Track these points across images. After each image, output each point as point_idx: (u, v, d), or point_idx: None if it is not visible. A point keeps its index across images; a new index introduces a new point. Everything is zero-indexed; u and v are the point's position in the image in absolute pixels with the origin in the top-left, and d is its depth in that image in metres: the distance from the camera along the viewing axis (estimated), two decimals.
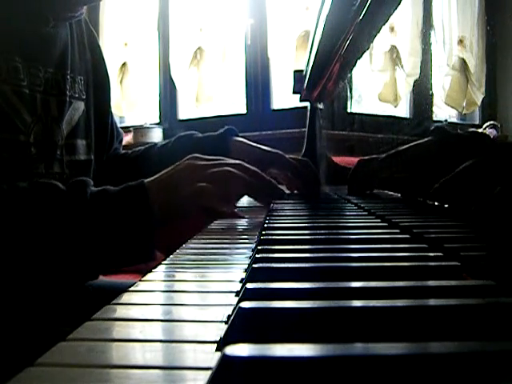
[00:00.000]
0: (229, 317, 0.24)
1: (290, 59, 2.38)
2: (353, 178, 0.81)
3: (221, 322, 0.24)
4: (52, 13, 0.75)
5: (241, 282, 0.32)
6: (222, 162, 0.66)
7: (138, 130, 2.57)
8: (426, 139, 0.53)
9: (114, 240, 0.60)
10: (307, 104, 1.57)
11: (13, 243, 0.57)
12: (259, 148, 0.91)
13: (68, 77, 0.79)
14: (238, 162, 0.67)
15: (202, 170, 0.64)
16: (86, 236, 0.59)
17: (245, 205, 0.89)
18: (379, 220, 0.55)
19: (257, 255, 0.35)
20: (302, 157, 1.51)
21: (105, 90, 0.91)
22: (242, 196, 0.67)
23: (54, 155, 0.76)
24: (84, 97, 0.84)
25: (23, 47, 0.72)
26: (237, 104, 2.70)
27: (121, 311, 0.27)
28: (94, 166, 0.86)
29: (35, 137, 0.72)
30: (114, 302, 0.28)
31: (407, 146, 0.57)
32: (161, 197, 0.62)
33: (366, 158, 0.67)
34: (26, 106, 0.71)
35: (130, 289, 0.31)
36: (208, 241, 0.52)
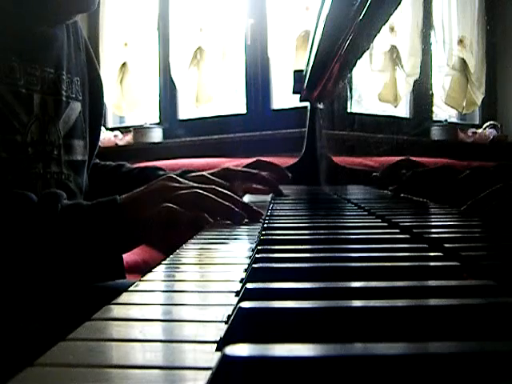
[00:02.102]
0: (229, 317, 0.24)
1: (289, 59, 2.37)
2: (391, 176, 0.79)
3: (221, 321, 0.24)
4: (48, 15, 0.75)
5: (241, 281, 0.32)
6: (193, 184, 0.67)
7: (138, 130, 2.57)
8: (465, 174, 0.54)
9: (83, 254, 0.61)
10: (307, 104, 1.57)
11: None
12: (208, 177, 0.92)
13: (65, 77, 0.80)
14: (211, 186, 0.68)
15: (172, 191, 0.64)
16: (54, 249, 0.59)
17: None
18: (379, 220, 0.55)
19: (257, 255, 0.35)
20: (301, 157, 1.51)
21: (98, 93, 0.92)
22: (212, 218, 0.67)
23: (51, 155, 0.76)
24: (80, 98, 0.84)
25: (20, 47, 0.72)
26: (237, 104, 2.70)
27: (121, 311, 0.27)
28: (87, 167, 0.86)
29: (32, 136, 0.72)
30: (114, 302, 0.28)
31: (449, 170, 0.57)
32: (131, 214, 0.63)
33: (421, 170, 0.67)
34: (23, 106, 0.71)
35: (130, 289, 0.31)
36: (208, 241, 0.52)
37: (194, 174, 0.82)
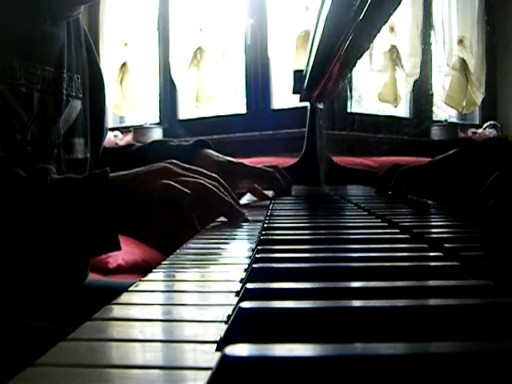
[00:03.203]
0: (229, 317, 0.24)
1: (289, 59, 2.37)
2: (386, 182, 0.80)
3: (221, 321, 0.24)
4: (49, 11, 0.75)
5: (241, 281, 0.32)
6: (197, 173, 0.66)
7: (138, 130, 2.57)
8: (453, 150, 0.54)
9: (75, 227, 0.59)
10: (307, 104, 1.57)
11: None
12: (224, 159, 0.93)
13: (65, 75, 0.79)
14: (213, 175, 0.67)
15: (175, 176, 0.63)
16: (45, 223, 0.58)
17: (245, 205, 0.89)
18: (379, 220, 0.55)
19: (257, 255, 0.35)
20: (301, 157, 1.51)
21: (100, 90, 0.91)
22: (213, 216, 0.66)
23: (51, 154, 0.76)
24: (81, 95, 0.84)
25: (20, 46, 0.72)
26: (237, 104, 2.70)
27: (121, 311, 0.27)
28: (91, 165, 0.86)
29: (32, 135, 0.72)
30: (114, 301, 0.28)
31: (440, 157, 0.57)
32: (124, 186, 0.61)
33: (406, 167, 0.67)
34: (23, 105, 0.71)
35: (130, 289, 0.31)
36: (208, 241, 0.52)
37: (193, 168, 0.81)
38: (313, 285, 0.26)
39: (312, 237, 0.47)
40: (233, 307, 0.26)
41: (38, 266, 0.64)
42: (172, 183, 0.60)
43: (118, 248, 0.61)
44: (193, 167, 0.67)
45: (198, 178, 0.64)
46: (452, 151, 0.54)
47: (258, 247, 0.39)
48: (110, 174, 0.61)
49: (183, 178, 0.63)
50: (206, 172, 0.67)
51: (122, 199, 0.60)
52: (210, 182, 0.65)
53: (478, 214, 0.45)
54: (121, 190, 0.60)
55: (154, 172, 0.64)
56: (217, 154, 0.94)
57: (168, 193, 0.60)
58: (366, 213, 0.64)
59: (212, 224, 0.64)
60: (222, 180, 0.68)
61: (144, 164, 0.66)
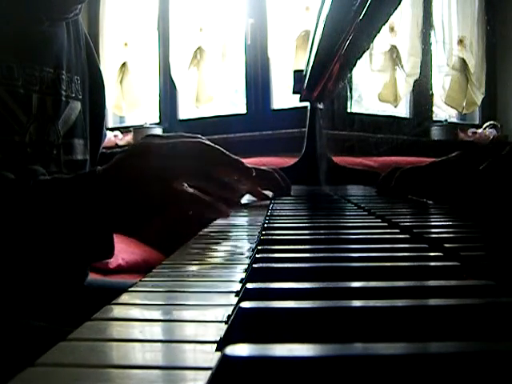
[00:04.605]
0: (229, 317, 0.24)
1: (289, 59, 2.37)
2: (387, 183, 0.80)
3: (221, 322, 0.24)
4: (46, 13, 0.75)
5: (241, 282, 0.32)
6: (178, 137, 0.63)
7: (138, 130, 2.57)
8: (455, 153, 0.54)
9: (64, 229, 0.57)
10: (307, 104, 1.57)
11: None
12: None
13: (64, 76, 0.79)
14: (197, 139, 0.64)
15: (161, 149, 0.59)
16: (34, 225, 0.56)
17: (245, 207, 0.89)
18: (379, 220, 0.55)
19: (257, 255, 0.35)
20: (301, 157, 1.51)
21: (100, 91, 0.91)
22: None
23: (50, 155, 0.76)
24: (80, 96, 0.84)
25: (18, 47, 0.72)
26: (237, 104, 2.70)
27: (121, 311, 0.27)
28: (89, 167, 0.86)
29: (31, 137, 0.72)
30: (114, 302, 0.28)
31: (441, 159, 0.58)
32: (115, 184, 0.58)
33: (407, 167, 0.67)
34: (21, 106, 0.71)
35: (130, 289, 0.31)
36: (208, 241, 0.52)
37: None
38: (313, 285, 0.26)
39: (312, 237, 0.47)
40: (233, 307, 0.26)
41: (29, 269, 0.62)
42: (168, 193, 0.58)
43: (112, 252, 0.59)
44: (172, 135, 0.64)
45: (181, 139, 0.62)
46: (454, 154, 0.54)
47: (258, 247, 0.39)
48: (98, 169, 0.59)
49: (170, 146, 0.60)
50: (185, 135, 0.65)
51: (114, 196, 0.58)
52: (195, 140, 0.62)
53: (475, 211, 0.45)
54: (111, 187, 0.58)
55: (137, 157, 0.60)
56: None
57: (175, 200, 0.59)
58: (366, 213, 0.64)
59: (212, 224, 0.64)
60: (206, 142, 0.64)
61: None
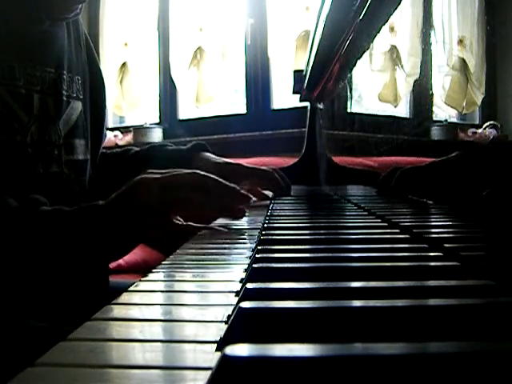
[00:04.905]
0: (229, 317, 0.24)
1: (289, 59, 2.37)
2: (387, 183, 0.80)
3: (221, 322, 0.24)
4: (47, 12, 0.75)
5: (241, 282, 0.32)
6: (176, 171, 0.65)
7: (138, 130, 2.57)
8: (455, 153, 0.55)
9: (65, 260, 0.59)
10: (307, 104, 1.57)
11: None
12: (222, 161, 0.92)
13: (65, 76, 0.79)
14: (193, 170, 0.66)
15: (159, 183, 0.61)
16: (35, 255, 0.57)
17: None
18: (379, 220, 0.55)
19: (257, 255, 0.35)
20: (301, 157, 1.51)
21: (100, 91, 0.91)
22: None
23: (51, 155, 0.76)
24: (81, 96, 0.84)
25: (19, 47, 0.72)
26: (237, 104, 2.70)
27: (121, 311, 0.27)
28: (89, 167, 0.86)
29: (32, 137, 0.72)
30: (114, 302, 0.28)
31: (441, 159, 0.58)
32: (116, 218, 0.60)
33: (407, 167, 0.68)
34: (22, 106, 0.71)
35: (130, 289, 0.31)
36: (208, 241, 0.52)
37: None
38: (313, 285, 0.26)
39: (312, 237, 0.47)
40: (233, 307, 0.26)
41: (27, 297, 0.64)
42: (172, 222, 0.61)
43: (107, 278, 0.61)
44: (170, 170, 0.66)
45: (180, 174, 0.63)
46: (454, 154, 0.54)
47: (258, 247, 0.39)
48: (101, 207, 0.60)
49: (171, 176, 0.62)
50: (183, 170, 0.66)
51: (115, 231, 0.60)
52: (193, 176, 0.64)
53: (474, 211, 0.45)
54: (111, 222, 0.59)
55: (137, 192, 0.62)
56: (214, 156, 0.94)
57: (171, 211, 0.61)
58: (366, 213, 0.64)
59: (211, 224, 0.64)
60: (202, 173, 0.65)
61: (142, 168, 0.66)
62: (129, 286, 0.31)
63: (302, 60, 1.86)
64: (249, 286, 0.25)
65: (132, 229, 0.60)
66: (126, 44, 2.68)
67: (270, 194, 0.99)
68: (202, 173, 0.64)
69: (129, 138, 2.59)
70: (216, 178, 0.64)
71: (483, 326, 0.20)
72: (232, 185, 0.64)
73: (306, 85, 1.34)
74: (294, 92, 1.54)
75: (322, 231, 0.49)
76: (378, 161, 0.91)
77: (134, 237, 0.62)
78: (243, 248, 0.46)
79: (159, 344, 0.22)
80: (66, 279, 0.61)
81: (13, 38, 0.71)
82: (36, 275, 0.59)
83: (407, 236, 0.43)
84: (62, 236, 0.58)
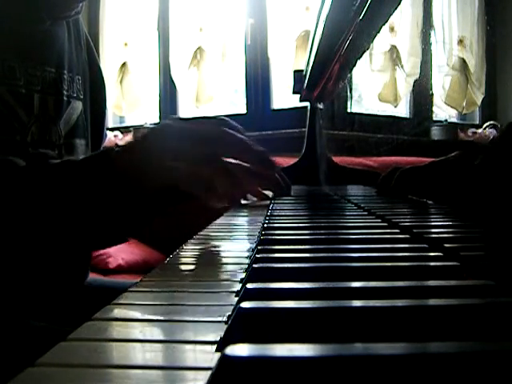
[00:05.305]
0: (229, 317, 0.24)
1: (289, 59, 2.37)
2: (387, 183, 0.80)
3: (221, 322, 0.24)
4: (48, 11, 0.75)
5: (241, 282, 0.32)
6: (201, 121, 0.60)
7: (138, 130, 2.57)
8: (455, 153, 0.54)
9: (79, 213, 0.54)
10: (307, 104, 1.57)
11: None
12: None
13: (65, 76, 0.79)
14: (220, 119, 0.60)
15: (175, 131, 0.56)
16: (48, 210, 0.54)
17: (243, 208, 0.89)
18: (379, 220, 0.55)
19: (257, 255, 0.35)
20: (301, 157, 1.51)
21: (100, 91, 0.91)
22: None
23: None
24: (82, 96, 0.84)
25: (20, 47, 0.72)
26: (237, 104, 2.70)
27: (121, 311, 0.27)
28: None
29: (32, 136, 0.72)
30: (114, 302, 0.28)
31: (441, 159, 0.58)
32: (130, 168, 0.55)
33: (407, 167, 0.67)
34: (23, 106, 0.71)
35: (130, 289, 0.31)
36: (208, 241, 0.52)
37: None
38: (313, 285, 0.26)
39: (312, 237, 0.47)
40: (233, 307, 0.26)
41: (41, 259, 0.60)
42: (191, 174, 0.54)
43: (125, 238, 0.57)
44: (194, 122, 0.61)
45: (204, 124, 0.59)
46: (454, 153, 0.54)
47: (258, 247, 0.39)
48: (113, 154, 0.56)
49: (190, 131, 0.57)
50: (211, 120, 0.61)
51: (130, 176, 0.55)
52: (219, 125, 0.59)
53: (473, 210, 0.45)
54: (127, 167, 0.55)
55: (155, 137, 0.58)
56: None
57: (190, 186, 0.55)
58: (366, 213, 0.64)
59: (211, 224, 0.64)
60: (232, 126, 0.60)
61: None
62: (129, 286, 0.31)
63: (302, 60, 1.86)
64: (249, 286, 0.25)
65: (136, 177, 0.55)
66: (126, 44, 2.68)
67: (270, 194, 0.99)
68: (229, 126, 0.58)
69: (129, 138, 2.59)
70: (243, 138, 0.59)
71: (483, 326, 0.20)
72: (262, 148, 0.59)
73: (306, 85, 1.34)
74: (294, 92, 1.54)
75: (322, 231, 0.49)
76: (378, 161, 0.91)
77: (141, 186, 0.56)
78: (243, 248, 0.46)
79: (159, 344, 0.22)
80: (82, 234, 0.57)
81: (13, 38, 0.71)
82: (49, 234, 0.55)
83: (407, 236, 0.43)
84: (74, 187, 0.55)
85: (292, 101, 2.18)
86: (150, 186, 0.56)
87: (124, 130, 2.66)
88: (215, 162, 0.56)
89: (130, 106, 2.71)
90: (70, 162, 0.58)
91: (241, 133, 0.59)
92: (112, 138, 2.56)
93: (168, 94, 2.65)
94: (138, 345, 0.22)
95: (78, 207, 0.55)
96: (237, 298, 0.28)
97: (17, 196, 0.55)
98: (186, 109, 2.66)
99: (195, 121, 0.62)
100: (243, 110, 2.54)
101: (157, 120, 2.68)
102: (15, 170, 0.56)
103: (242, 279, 0.32)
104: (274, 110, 2.48)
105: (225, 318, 0.25)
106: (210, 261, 0.42)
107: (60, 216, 0.55)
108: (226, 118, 0.60)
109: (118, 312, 0.27)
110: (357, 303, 0.23)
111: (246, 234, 0.57)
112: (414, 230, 0.44)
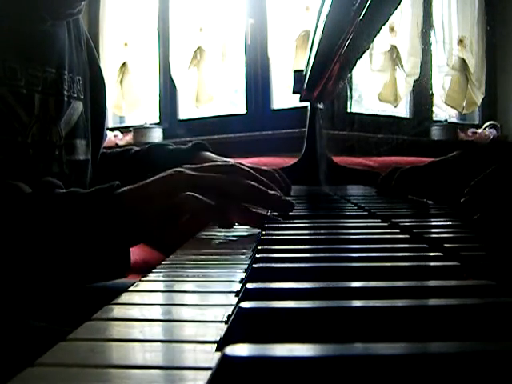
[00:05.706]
0: (229, 317, 0.24)
1: (289, 59, 2.37)
2: (387, 183, 0.80)
3: (221, 322, 0.24)
4: (49, 11, 0.75)
5: (241, 282, 0.32)
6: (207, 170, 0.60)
7: (138, 130, 2.57)
8: (455, 152, 0.54)
9: (81, 245, 0.54)
10: (307, 104, 1.57)
11: None
12: (222, 160, 0.88)
13: (66, 76, 0.79)
14: (231, 163, 0.61)
15: (190, 179, 0.57)
16: (50, 239, 0.54)
17: None
18: (379, 220, 0.55)
19: (257, 255, 0.35)
20: (301, 157, 1.51)
21: (100, 91, 0.91)
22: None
23: (52, 155, 0.76)
24: (82, 97, 0.84)
25: (20, 47, 0.72)
26: (237, 104, 2.70)
27: (121, 311, 0.27)
28: (90, 167, 0.86)
29: (33, 137, 0.72)
30: (114, 302, 0.28)
31: (441, 158, 0.58)
32: (134, 200, 0.55)
33: (407, 167, 0.67)
34: (24, 107, 0.71)
35: (130, 289, 0.31)
36: (208, 241, 0.52)
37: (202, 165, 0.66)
38: (313, 285, 0.26)
39: (312, 237, 0.47)
40: (233, 307, 0.26)
41: (39, 283, 0.60)
42: (193, 196, 0.54)
43: (125, 272, 0.57)
44: (202, 166, 0.61)
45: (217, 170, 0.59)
46: (454, 153, 0.54)
47: (258, 247, 0.39)
48: (119, 190, 0.56)
49: (201, 177, 0.57)
50: (216, 164, 0.62)
51: (132, 214, 0.55)
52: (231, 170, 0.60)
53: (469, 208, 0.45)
54: (130, 204, 0.55)
55: (161, 181, 0.57)
56: (215, 156, 0.93)
57: (191, 206, 0.54)
58: (366, 213, 0.63)
59: (212, 224, 0.64)
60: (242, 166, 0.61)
61: (142, 168, 0.64)
62: (129, 286, 0.31)
63: (302, 60, 1.86)
64: (249, 286, 0.25)
65: (141, 220, 0.55)
66: (126, 44, 2.68)
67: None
68: (241, 171, 0.59)
69: (129, 138, 2.59)
70: (257, 177, 0.60)
71: (483, 326, 0.20)
72: (272, 192, 0.59)
73: (306, 85, 1.34)
74: (294, 92, 1.54)
75: (322, 231, 0.49)
76: (378, 161, 0.91)
77: (141, 228, 0.57)
78: (243, 248, 0.46)
79: (159, 344, 0.22)
80: (83, 266, 0.57)
81: (14, 38, 0.71)
82: (49, 261, 0.55)
83: (407, 236, 0.43)
84: (78, 219, 0.54)
85: (292, 101, 2.18)
86: (155, 219, 0.56)
87: (124, 129, 2.66)
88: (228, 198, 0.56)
89: (130, 106, 2.71)
90: (75, 194, 0.57)
91: (251, 175, 0.60)
92: (112, 137, 2.56)
93: (168, 93, 2.65)
94: (137, 345, 0.22)
95: (77, 241, 0.54)
96: (237, 298, 0.28)
97: (17, 223, 0.54)
98: (186, 109, 2.66)
99: (205, 166, 0.61)
100: (243, 110, 2.54)
101: (157, 120, 2.68)
102: (20, 197, 0.56)
103: (242, 279, 0.32)
104: (274, 110, 2.48)
105: (225, 318, 0.25)
106: (210, 261, 0.42)
107: (58, 247, 0.54)
108: (237, 164, 0.62)
109: (117, 312, 0.27)
110: (357, 303, 0.23)
111: (246, 233, 0.57)
112: (414, 230, 0.44)
